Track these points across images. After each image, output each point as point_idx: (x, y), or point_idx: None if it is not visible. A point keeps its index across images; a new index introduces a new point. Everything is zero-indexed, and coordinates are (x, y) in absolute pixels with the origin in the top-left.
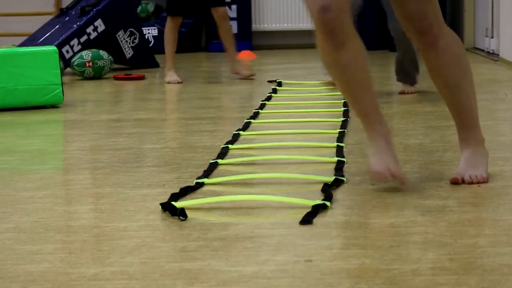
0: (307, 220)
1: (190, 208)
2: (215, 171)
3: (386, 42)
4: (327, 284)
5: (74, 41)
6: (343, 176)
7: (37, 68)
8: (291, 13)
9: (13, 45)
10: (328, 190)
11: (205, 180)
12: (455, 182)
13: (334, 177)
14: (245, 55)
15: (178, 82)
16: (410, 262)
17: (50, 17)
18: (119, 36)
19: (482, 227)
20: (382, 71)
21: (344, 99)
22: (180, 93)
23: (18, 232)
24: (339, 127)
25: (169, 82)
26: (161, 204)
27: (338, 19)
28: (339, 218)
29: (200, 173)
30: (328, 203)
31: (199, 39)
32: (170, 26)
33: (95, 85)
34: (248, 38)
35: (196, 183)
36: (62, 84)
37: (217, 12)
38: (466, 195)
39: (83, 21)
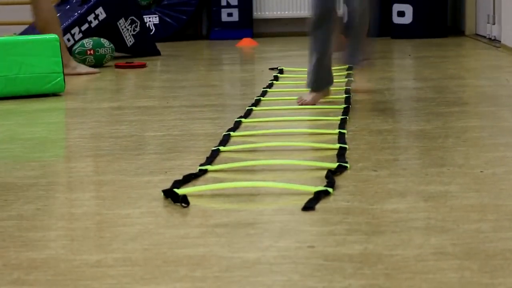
0: (309, 206)
1: (192, 195)
2: (217, 158)
3: (388, 29)
4: (329, 270)
5: (75, 29)
6: (346, 163)
7: (38, 56)
8: (291, 1)
9: (14, 33)
10: (331, 176)
11: (208, 167)
12: None
13: (338, 163)
14: (246, 43)
15: None
16: (412, 247)
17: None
18: (120, 24)
19: (484, 213)
20: (384, 58)
21: (346, 86)
22: (181, 81)
23: (20, 219)
24: (341, 114)
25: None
26: (163, 191)
27: None
28: (342, 204)
29: (202, 161)
30: (330, 190)
31: (200, 27)
32: None
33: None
34: (249, 26)
35: (200, 170)
36: (64, 72)
37: None
38: (469, 181)
39: (84, 9)
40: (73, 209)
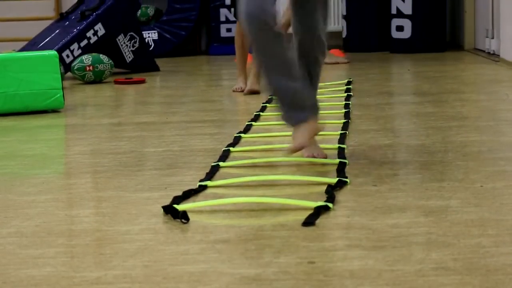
0: (309, 222)
1: (192, 211)
2: (217, 174)
3: (386, 43)
4: (330, 285)
5: (74, 46)
6: (346, 178)
7: (37, 72)
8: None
9: (13, 50)
10: (330, 191)
11: (208, 183)
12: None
13: (337, 178)
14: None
15: (241, 90)
16: (413, 262)
17: (50, 21)
18: (119, 40)
19: (485, 227)
20: (383, 73)
21: (345, 101)
22: (181, 97)
23: (20, 236)
24: (341, 128)
25: (234, 91)
26: (163, 207)
27: None
28: (342, 219)
29: (202, 176)
30: (330, 205)
31: (200, 42)
32: (237, 31)
33: (96, 89)
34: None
35: (199, 186)
36: (63, 88)
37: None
38: (469, 195)
39: (83, 25)
40: (73, 225)
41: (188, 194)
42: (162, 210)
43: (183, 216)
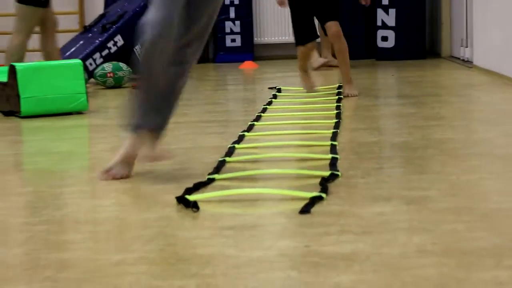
0: (305, 210)
1: (201, 201)
2: (224, 168)
3: (373, 52)
4: (324, 266)
5: (97, 55)
6: (338, 171)
7: (64, 79)
8: (287, 28)
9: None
10: (324, 183)
11: (216, 176)
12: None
13: (330, 172)
14: (248, 65)
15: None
16: (397, 246)
17: (75, 34)
18: (136, 49)
19: (459, 215)
20: (369, 78)
21: (336, 103)
22: (191, 99)
23: (50, 224)
24: (333, 127)
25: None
26: (176, 198)
27: None
28: (334, 208)
29: (210, 170)
30: (324, 195)
31: (207, 51)
32: (298, 54)
33: (116, 93)
34: (250, 50)
35: (208, 178)
36: (87, 93)
37: (331, 30)
38: (446, 186)
39: (104, 37)
40: (97, 214)
41: (198, 186)
42: (175, 200)
43: (194, 206)
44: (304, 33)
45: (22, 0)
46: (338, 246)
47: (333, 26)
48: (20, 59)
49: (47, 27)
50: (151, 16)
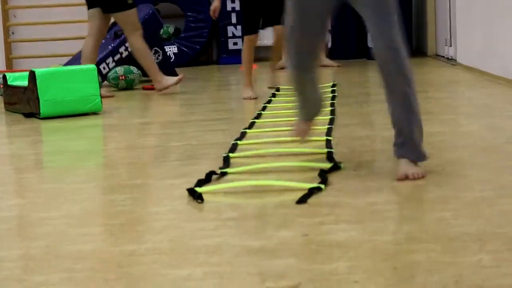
0: (302, 200)
1: (207, 193)
2: (227, 163)
3: (364, 51)
4: (321, 254)
5: (109, 59)
6: (340, 163)
7: (80, 82)
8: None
9: (60, 64)
10: (324, 175)
11: (228, 170)
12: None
13: (333, 163)
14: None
15: (254, 98)
16: (388, 233)
17: None
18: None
19: (446, 203)
20: (361, 76)
21: (331, 100)
22: (197, 99)
23: (69, 218)
24: (327, 123)
25: (245, 98)
26: (187, 189)
27: None
28: (329, 199)
29: (216, 165)
30: (323, 186)
31: (211, 54)
32: (245, 46)
33: (128, 95)
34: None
35: (221, 172)
36: (101, 95)
37: (279, 32)
38: (433, 177)
39: (116, 43)
40: (112, 208)
41: (209, 177)
42: (184, 193)
43: (199, 197)
44: (256, 22)
45: (116, 9)
46: (334, 234)
47: (281, 29)
48: (146, 55)
49: (103, 33)
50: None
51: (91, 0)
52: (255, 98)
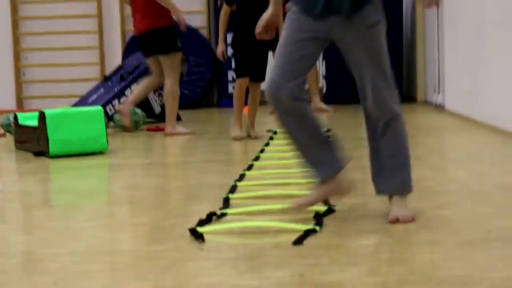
0: (298, 241)
1: (208, 233)
2: (229, 203)
3: (357, 97)
4: None
5: (115, 101)
6: (334, 206)
7: (87, 123)
8: None
9: (68, 105)
10: (319, 217)
11: (227, 211)
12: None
13: (327, 206)
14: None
15: (240, 138)
16: (380, 275)
17: (97, 82)
18: (150, 96)
19: (435, 246)
20: (354, 120)
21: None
22: (197, 140)
23: (74, 255)
24: None
25: (232, 138)
26: (189, 229)
27: None
28: (324, 240)
29: (216, 206)
30: (318, 228)
31: (212, 97)
32: (236, 88)
33: (132, 136)
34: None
35: (221, 213)
36: (107, 135)
37: (253, 85)
38: (423, 220)
39: (122, 86)
40: (115, 246)
41: (210, 218)
42: (185, 232)
43: (200, 237)
44: (246, 66)
45: (163, 51)
46: (329, 275)
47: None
48: (176, 100)
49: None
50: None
51: (146, 49)
52: (242, 139)
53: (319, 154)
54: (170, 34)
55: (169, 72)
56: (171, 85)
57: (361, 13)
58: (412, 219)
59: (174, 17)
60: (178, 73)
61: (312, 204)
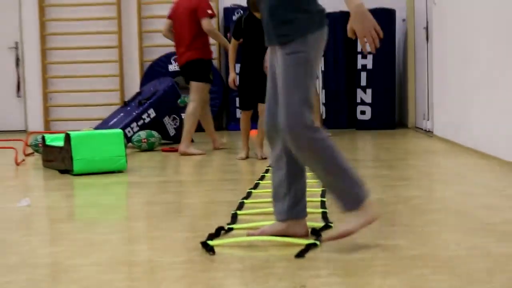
0: (300, 254)
1: (218, 246)
2: (236, 219)
3: (353, 123)
4: None
5: (134, 125)
6: (331, 223)
7: (108, 144)
8: None
9: (90, 127)
10: (318, 233)
11: (234, 226)
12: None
13: (324, 223)
14: (255, 133)
15: (244, 158)
16: (375, 287)
17: (117, 107)
18: (165, 120)
19: (425, 260)
20: (350, 144)
21: None
22: (208, 161)
23: (97, 265)
24: (322, 187)
25: (237, 158)
26: (201, 242)
27: None
28: (323, 254)
29: (225, 221)
30: (318, 242)
31: (222, 121)
32: (242, 117)
33: (149, 156)
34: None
35: (228, 228)
36: (126, 155)
37: (261, 107)
38: (413, 236)
39: (140, 110)
40: (134, 257)
41: (219, 232)
42: (197, 245)
43: (211, 250)
44: (249, 100)
45: (196, 79)
46: (328, 286)
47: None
48: (195, 123)
49: (205, 99)
50: None
51: (186, 77)
52: (246, 158)
53: (356, 178)
54: (205, 66)
55: (195, 96)
56: (194, 108)
57: (285, 44)
58: (346, 234)
59: (222, 47)
60: (203, 100)
61: (352, 234)
